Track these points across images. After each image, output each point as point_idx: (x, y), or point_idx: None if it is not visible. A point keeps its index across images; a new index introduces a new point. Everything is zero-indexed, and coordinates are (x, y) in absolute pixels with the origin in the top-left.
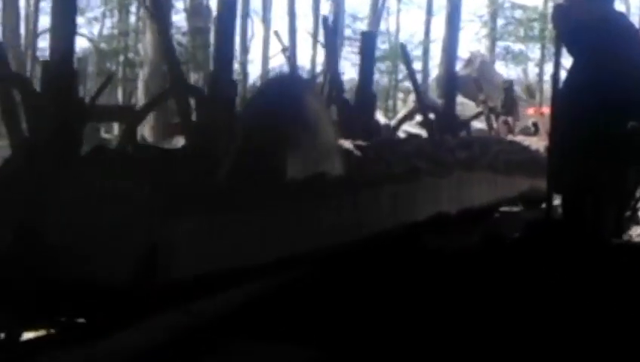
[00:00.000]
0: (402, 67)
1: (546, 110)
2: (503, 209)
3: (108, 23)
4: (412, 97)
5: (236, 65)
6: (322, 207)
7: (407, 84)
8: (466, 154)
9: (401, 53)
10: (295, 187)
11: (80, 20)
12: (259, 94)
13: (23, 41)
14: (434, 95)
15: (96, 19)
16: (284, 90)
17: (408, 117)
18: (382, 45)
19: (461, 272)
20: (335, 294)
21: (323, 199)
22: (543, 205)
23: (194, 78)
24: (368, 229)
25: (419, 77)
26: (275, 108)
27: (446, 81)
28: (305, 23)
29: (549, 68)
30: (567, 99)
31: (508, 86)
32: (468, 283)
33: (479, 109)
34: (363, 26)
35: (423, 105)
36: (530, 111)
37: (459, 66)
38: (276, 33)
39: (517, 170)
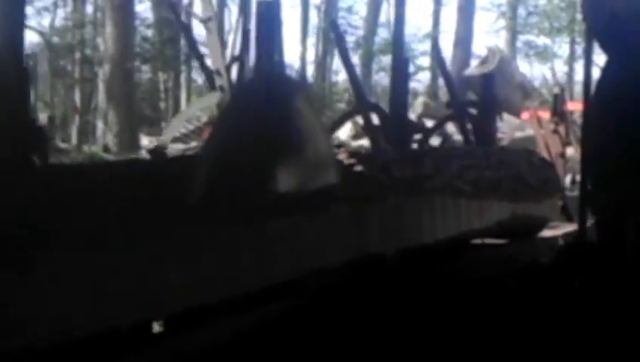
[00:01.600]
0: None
1: (543, 113)
2: (483, 242)
3: (60, 13)
4: (420, 99)
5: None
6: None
7: (417, 83)
8: (411, 172)
9: (434, 57)
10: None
11: (27, 10)
12: (236, 98)
13: None
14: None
15: (46, 9)
16: (269, 93)
17: (343, 120)
18: (380, 37)
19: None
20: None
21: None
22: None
23: (163, 77)
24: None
25: (426, 75)
26: (256, 115)
27: (392, 68)
28: (293, 14)
29: (579, 66)
30: (602, 104)
31: (559, 91)
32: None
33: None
34: (359, 17)
35: (363, 103)
36: (525, 115)
37: (474, 63)
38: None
39: (495, 191)
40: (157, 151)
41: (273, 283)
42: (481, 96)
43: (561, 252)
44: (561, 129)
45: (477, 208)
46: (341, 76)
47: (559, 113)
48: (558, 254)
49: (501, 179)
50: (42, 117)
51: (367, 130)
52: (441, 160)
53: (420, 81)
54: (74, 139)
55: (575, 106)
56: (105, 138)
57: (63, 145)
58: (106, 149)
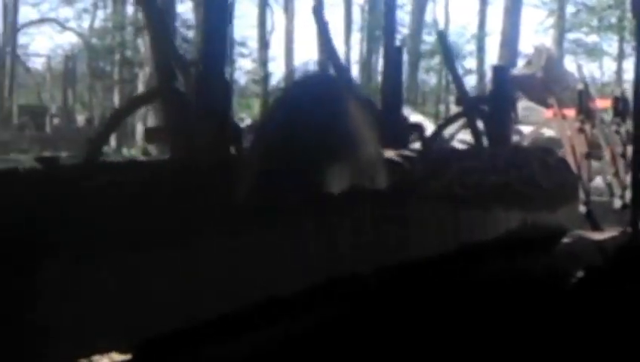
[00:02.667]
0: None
1: (569, 112)
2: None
3: (100, 14)
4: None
5: (253, 64)
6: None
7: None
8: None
9: (439, 42)
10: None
11: (67, 13)
12: (286, 97)
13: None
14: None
15: (86, 10)
16: (318, 93)
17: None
18: (427, 38)
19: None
20: None
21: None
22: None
23: None
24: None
25: (472, 78)
26: (306, 114)
27: (385, 63)
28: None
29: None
30: None
31: (584, 87)
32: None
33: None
34: (404, 15)
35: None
36: (548, 113)
37: (521, 63)
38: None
39: (503, 198)
40: (47, 160)
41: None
42: (493, 91)
43: (613, 255)
44: (588, 127)
45: (482, 216)
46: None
47: (585, 111)
48: (610, 258)
49: (509, 183)
50: (80, 118)
51: (470, 126)
52: (437, 162)
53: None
54: (112, 142)
55: (605, 104)
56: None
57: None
58: (145, 152)
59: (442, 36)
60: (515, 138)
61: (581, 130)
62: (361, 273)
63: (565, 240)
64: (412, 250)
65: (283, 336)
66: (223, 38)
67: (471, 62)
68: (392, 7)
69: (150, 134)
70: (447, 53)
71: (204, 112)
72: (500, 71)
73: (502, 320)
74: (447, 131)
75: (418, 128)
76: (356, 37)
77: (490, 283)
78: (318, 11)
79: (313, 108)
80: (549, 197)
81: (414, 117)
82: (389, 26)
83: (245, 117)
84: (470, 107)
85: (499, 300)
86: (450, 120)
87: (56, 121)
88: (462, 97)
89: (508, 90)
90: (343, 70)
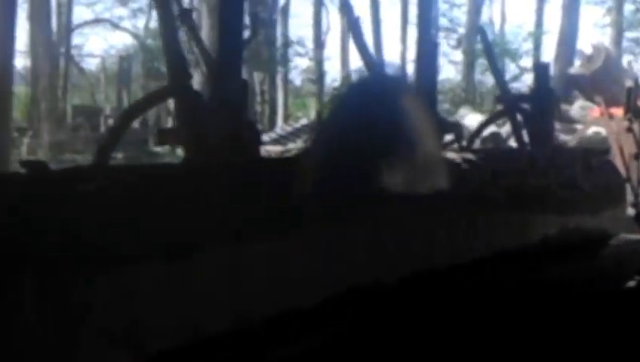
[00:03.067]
0: (510, 64)
1: (617, 111)
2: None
3: (155, 14)
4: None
5: (309, 63)
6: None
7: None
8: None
9: (481, 40)
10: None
11: (122, 12)
12: (346, 97)
13: (54, 36)
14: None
15: (141, 10)
16: (379, 93)
17: (496, 118)
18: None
19: None
20: None
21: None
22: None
23: (258, 78)
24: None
25: (529, 77)
26: (367, 115)
27: (417, 58)
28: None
29: None
30: None
31: (633, 85)
32: None
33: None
34: (461, 14)
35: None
36: (595, 112)
37: (578, 62)
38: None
39: (543, 201)
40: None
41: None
42: (535, 88)
43: None
44: (636, 127)
45: (515, 221)
46: (444, 74)
47: (634, 110)
48: None
49: (548, 186)
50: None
51: (512, 125)
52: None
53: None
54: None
55: None
56: None
57: (157, 149)
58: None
59: (483, 33)
60: (568, 137)
61: (629, 130)
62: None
63: (612, 243)
64: (479, 251)
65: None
66: (238, 36)
67: (527, 61)
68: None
69: (162, 136)
70: (489, 50)
71: (220, 111)
72: (542, 68)
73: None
74: (504, 130)
75: (455, 128)
76: (413, 35)
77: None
78: (347, 7)
79: (374, 108)
80: (592, 199)
81: (473, 116)
82: (424, 20)
83: (301, 116)
84: (511, 105)
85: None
86: (490, 120)
87: (110, 122)
88: (502, 95)
89: (550, 87)
90: (377, 67)
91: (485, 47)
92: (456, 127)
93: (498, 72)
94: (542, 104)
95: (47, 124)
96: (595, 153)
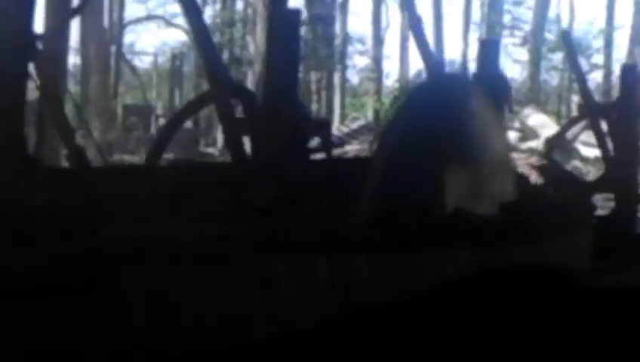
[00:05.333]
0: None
1: None
2: None
3: (209, 11)
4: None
5: (368, 60)
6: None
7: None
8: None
9: (564, 42)
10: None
11: (175, 9)
12: (410, 102)
13: (106, 34)
14: None
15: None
16: (445, 97)
17: (572, 124)
18: (548, 35)
19: None
20: None
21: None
22: None
23: (315, 76)
24: None
25: (599, 74)
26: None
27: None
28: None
29: None
30: None
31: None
32: None
33: None
34: (525, 11)
35: (592, 108)
36: None
37: None
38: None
39: None
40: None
41: None
42: (620, 94)
43: None
44: None
45: None
46: (508, 73)
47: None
48: None
49: None
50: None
51: (596, 134)
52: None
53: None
54: (219, 143)
55: None
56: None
57: (209, 150)
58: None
59: (567, 36)
60: None
61: None
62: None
63: None
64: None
65: None
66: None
67: (597, 58)
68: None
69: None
70: (572, 53)
71: (270, 110)
72: (629, 70)
73: None
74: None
75: (324, 127)
76: (475, 34)
77: None
78: (409, 5)
79: (439, 112)
80: None
81: (537, 117)
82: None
83: (358, 116)
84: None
85: None
86: (567, 126)
87: (162, 121)
88: (586, 104)
89: (635, 93)
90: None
91: (569, 50)
92: (325, 126)
93: (581, 78)
94: (628, 110)
95: (98, 123)
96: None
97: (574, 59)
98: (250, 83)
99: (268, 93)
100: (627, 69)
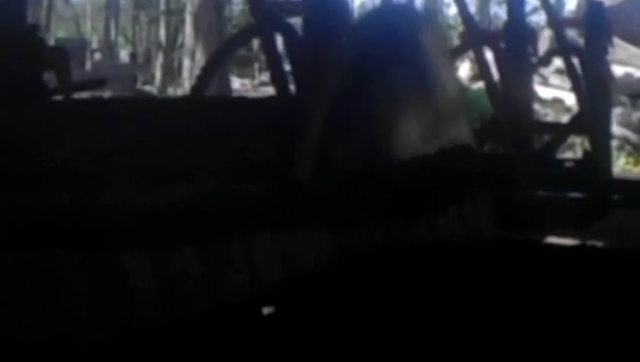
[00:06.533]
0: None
1: None
2: None
3: None
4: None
5: None
6: None
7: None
8: None
9: None
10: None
11: None
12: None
13: None
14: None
15: None
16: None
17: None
18: None
19: None
20: None
21: None
22: None
23: None
24: None
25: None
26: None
27: None
28: None
29: None
30: None
31: None
32: None
33: None
34: None
35: (565, 44)
36: None
37: None
38: None
39: None
40: None
41: None
42: (586, 32)
43: None
44: None
45: None
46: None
47: None
48: None
49: None
50: (123, 54)
51: (480, 66)
52: None
53: None
54: (157, 80)
55: None
56: (192, 79)
57: (146, 88)
58: None
59: None
60: None
61: None
62: None
63: None
64: None
65: None
66: None
67: None
68: None
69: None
70: None
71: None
72: (595, 7)
73: None
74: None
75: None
76: None
77: None
78: None
79: (386, 40)
80: None
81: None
82: None
83: None
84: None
85: None
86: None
87: (97, 56)
88: (469, 31)
89: (606, 20)
90: None
91: None
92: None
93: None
94: (596, 48)
95: None
96: None
97: None
98: (188, 14)
99: None
100: (593, 5)
